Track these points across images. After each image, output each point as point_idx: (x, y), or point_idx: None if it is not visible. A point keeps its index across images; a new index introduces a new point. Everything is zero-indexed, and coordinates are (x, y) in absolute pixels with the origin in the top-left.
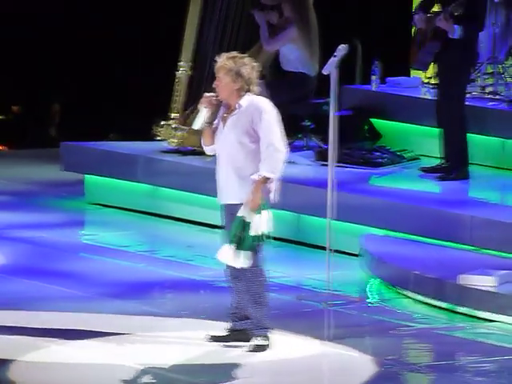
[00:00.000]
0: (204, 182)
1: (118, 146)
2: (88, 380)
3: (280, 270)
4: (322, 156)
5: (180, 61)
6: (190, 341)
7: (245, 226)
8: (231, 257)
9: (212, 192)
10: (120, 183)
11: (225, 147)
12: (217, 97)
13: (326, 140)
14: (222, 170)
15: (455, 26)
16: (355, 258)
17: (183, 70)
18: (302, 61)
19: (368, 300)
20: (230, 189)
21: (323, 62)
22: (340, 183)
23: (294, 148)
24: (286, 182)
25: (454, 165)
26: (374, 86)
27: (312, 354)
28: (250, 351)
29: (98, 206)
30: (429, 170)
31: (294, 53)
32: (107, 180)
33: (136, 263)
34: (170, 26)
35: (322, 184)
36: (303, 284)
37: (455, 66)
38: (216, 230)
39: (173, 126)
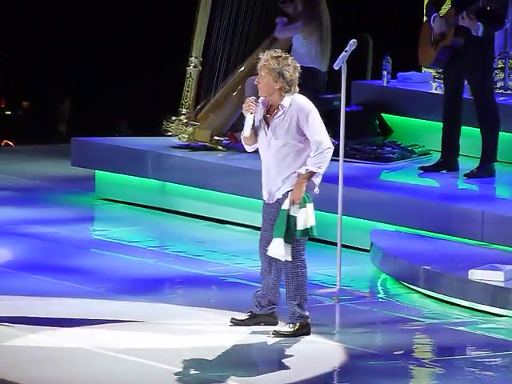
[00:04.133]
0: (214, 178)
1: (128, 142)
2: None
3: None
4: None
5: (191, 56)
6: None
7: (289, 218)
8: (282, 250)
9: (222, 188)
10: (130, 179)
11: (271, 149)
12: (257, 98)
13: (336, 135)
14: (269, 171)
15: (478, 23)
16: (365, 253)
17: (194, 66)
18: (313, 56)
19: (378, 295)
20: (277, 187)
21: (334, 57)
22: (350, 178)
23: None
24: None
25: (484, 162)
26: (384, 81)
27: (321, 349)
28: (274, 336)
29: (108, 202)
30: (428, 169)
31: (304, 48)
32: (117, 175)
33: (146, 259)
34: (180, 21)
35: (332, 179)
36: (313, 279)
37: (484, 63)
38: (226, 225)
39: (183, 121)
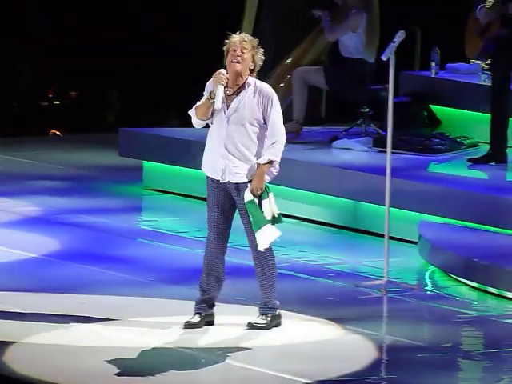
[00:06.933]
0: None
1: (175, 132)
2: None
3: (337, 256)
4: (379, 142)
5: None
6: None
7: (260, 207)
8: (274, 232)
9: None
10: (177, 169)
11: (228, 126)
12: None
13: (383, 126)
14: (219, 148)
15: None
16: (413, 245)
17: None
18: (361, 47)
19: (425, 287)
20: (228, 165)
21: (382, 48)
22: (398, 170)
23: (351, 134)
24: (344, 168)
25: None
26: (433, 73)
27: (368, 340)
28: (250, 328)
29: (155, 192)
30: (477, 160)
31: (352, 39)
32: (165, 166)
33: (193, 249)
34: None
35: (379, 171)
36: (360, 271)
37: None
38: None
39: None
